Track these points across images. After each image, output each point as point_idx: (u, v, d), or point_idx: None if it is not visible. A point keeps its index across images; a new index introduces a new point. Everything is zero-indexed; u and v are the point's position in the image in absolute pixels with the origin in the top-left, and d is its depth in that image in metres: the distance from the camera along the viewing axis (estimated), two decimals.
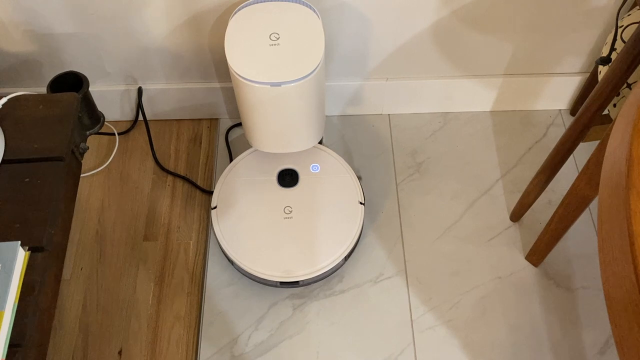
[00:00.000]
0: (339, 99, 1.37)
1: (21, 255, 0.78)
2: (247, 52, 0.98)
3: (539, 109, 1.41)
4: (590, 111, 0.91)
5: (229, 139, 1.39)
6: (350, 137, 1.38)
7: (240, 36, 1.00)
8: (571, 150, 1.01)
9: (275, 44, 0.98)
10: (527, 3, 1.14)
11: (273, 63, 0.97)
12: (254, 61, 0.97)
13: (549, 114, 1.41)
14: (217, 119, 1.42)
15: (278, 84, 0.97)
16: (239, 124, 1.40)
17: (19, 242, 0.78)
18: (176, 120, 1.41)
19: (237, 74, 0.97)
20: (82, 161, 1.05)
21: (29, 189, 0.87)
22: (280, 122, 1.07)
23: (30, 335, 0.78)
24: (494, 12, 1.15)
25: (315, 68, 0.98)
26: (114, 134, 1.36)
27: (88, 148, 1.05)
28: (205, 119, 1.42)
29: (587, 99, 0.92)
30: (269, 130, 1.10)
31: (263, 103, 1.02)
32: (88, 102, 1.06)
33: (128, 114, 1.39)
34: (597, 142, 0.91)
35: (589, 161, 0.89)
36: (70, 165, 0.97)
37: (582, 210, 0.98)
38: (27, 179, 0.88)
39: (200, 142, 1.39)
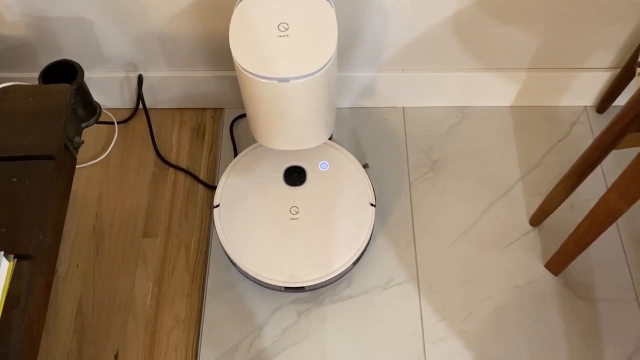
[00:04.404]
0: (351, 91, 1.29)
1: (5, 266, 0.73)
2: (253, 44, 0.90)
3: (563, 104, 1.33)
4: (629, 117, 0.83)
5: (234, 131, 1.32)
6: (362, 131, 1.31)
7: (246, 26, 0.92)
8: (602, 157, 0.93)
9: (284, 35, 0.91)
10: None
11: (281, 56, 0.90)
12: (260, 54, 0.90)
13: (574, 111, 1.33)
14: (221, 109, 1.34)
15: (286, 80, 0.89)
16: (245, 115, 1.33)
17: (2, 252, 0.72)
18: (178, 109, 1.34)
19: (242, 67, 0.90)
20: (76, 156, 0.99)
21: (16, 190, 0.81)
22: (288, 118, 1.00)
23: (15, 351, 0.73)
24: (521, 1, 1.06)
25: (327, 62, 0.90)
26: (113, 123, 1.30)
27: (83, 142, 0.98)
28: (209, 109, 1.34)
29: (626, 103, 0.84)
30: (275, 126, 1.03)
31: (270, 99, 0.94)
32: (83, 93, 0.99)
33: (128, 101, 1.32)
34: (631, 149, 0.84)
35: (624, 173, 0.81)
36: (62, 162, 0.91)
37: (610, 223, 0.91)
38: (14, 179, 0.82)
39: (203, 133, 1.32)
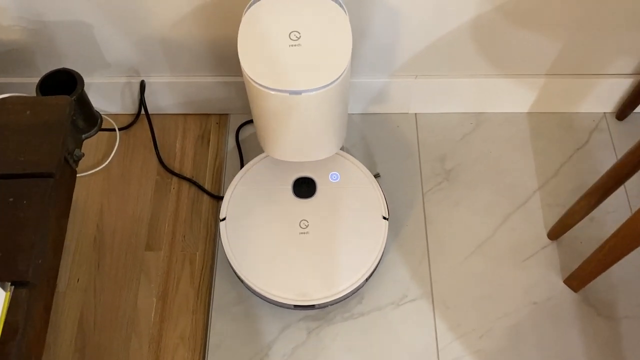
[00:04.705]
0: (362, 97, 1.24)
1: (1, 296, 0.68)
2: (263, 53, 0.85)
3: (582, 111, 1.28)
4: None
5: (240, 138, 1.27)
6: (373, 138, 1.26)
7: (255, 35, 0.87)
8: (629, 175, 0.89)
9: (295, 45, 0.86)
10: None
11: (293, 67, 0.85)
12: (271, 65, 0.85)
13: (592, 118, 1.28)
14: (226, 115, 1.29)
15: (298, 92, 0.85)
16: (251, 121, 1.28)
17: None
18: (182, 114, 1.29)
19: (251, 79, 0.85)
20: (76, 169, 0.94)
21: (13, 211, 0.77)
22: (298, 131, 0.95)
23: None
24: (545, 6, 1.01)
25: (342, 74, 0.85)
26: (114, 130, 1.25)
27: (83, 155, 0.94)
28: (214, 114, 1.29)
29: None
30: (285, 138, 0.98)
31: (280, 111, 0.90)
32: (83, 103, 0.94)
33: (130, 107, 1.27)
34: None
35: None
36: (62, 178, 0.86)
37: (638, 245, 0.87)
38: (10, 199, 0.78)
39: (208, 140, 1.27)
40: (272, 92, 0.85)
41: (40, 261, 0.75)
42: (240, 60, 0.85)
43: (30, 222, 0.76)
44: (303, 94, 0.85)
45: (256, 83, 0.85)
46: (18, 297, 0.72)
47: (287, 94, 0.85)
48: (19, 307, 0.71)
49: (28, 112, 0.85)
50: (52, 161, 0.81)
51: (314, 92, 0.85)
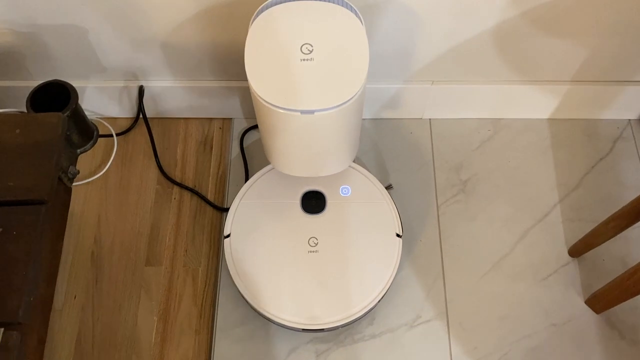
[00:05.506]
0: (374, 103, 1.17)
1: None
2: (273, 69, 0.78)
3: (605, 118, 1.21)
4: None
5: (244, 144, 1.20)
6: (385, 145, 1.19)
7: (264, 48, 0.79)
8: None
9: (307, 59, 0.79)
10: (615, 4, 0.92)
11: (305, 84, 0.78)
12: (281, 82, 0.78)
13: (617, 125, 1.21)
14: (230, 119, 1.22)
15: (311, 112, 0.78)
16: (256, 126, 1.21)
17: None
18: (183, 118, 1.22)
19: (260, 97, 0.78)
20: (71, 187, 0.88)
21: (2, 244, 0.71)
22: (309, 148, 0.89)
23: None
24: (574, 13, 0.94)
25: (358, 91, 0.78)
26: (111, 136, 1.18)
27: (79, 172, 0.88)
28: (217, 119, 1.22)
29: None
30: (295, 154, 0.92)
31: (291, 130, 0.83)
32: (78, 117, 0.88)
33: (128, 110, 1.20)
34: None
35: None
36: (56, 201, 0.80)
37: None
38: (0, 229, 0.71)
39: (211, 147, 1.20)
40: (282, 111, 0.78)
41: (32, 298, 0.70)
42: (248, 76, 0.78)
43: (20, 256, 0.70)
44: (316, 113, 0.78)
45: (265, 101, 0.78)
46: (8, 340, 0.66)
47: (299, 113, 0.78)
48: (9, 353, 0.66)
49: (18, 131, 0.79)
50: (44, 186, 0.75)
51: (327, 112, 0.78)
